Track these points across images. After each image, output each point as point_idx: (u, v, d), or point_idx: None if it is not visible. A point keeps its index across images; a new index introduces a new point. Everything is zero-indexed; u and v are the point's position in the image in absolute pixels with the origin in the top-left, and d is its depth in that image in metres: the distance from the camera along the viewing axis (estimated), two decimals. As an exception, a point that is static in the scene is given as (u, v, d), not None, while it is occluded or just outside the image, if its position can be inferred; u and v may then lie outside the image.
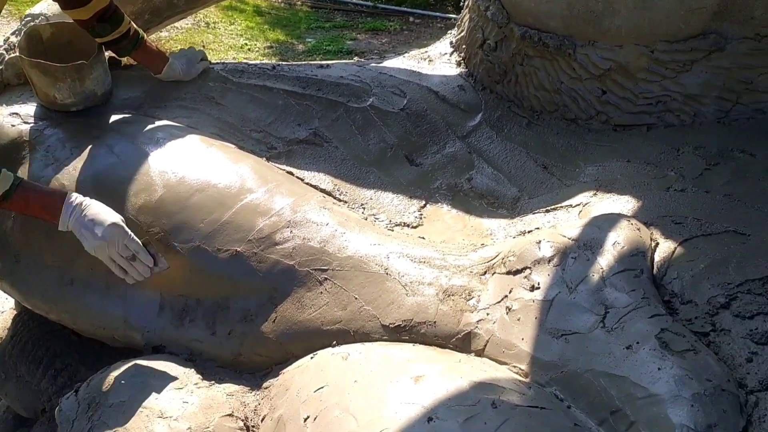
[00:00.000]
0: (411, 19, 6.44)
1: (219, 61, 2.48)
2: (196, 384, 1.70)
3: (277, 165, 2.10)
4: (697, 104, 2.04)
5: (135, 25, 2.10)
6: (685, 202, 1.75)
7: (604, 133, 2.14)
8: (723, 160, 1.86)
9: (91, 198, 1.72)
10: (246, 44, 5.66)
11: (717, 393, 1.22)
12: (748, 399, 1.24)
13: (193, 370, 1.75)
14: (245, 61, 5.08)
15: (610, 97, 2.13)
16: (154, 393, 1.66)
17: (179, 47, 5.29)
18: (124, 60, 2.29)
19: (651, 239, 1.63)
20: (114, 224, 1.67)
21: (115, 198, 1.91)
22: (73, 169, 1.99)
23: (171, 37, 5.56)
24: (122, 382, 1.70)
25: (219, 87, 2.30)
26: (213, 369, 1.79)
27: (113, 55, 2.20)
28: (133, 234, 1.70)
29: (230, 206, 1.83)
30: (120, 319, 1.87)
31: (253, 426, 1.64)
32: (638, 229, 1.63)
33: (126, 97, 2.24)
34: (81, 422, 1.66)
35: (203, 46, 5.41)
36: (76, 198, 1.69)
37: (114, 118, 2.14)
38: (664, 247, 1.61)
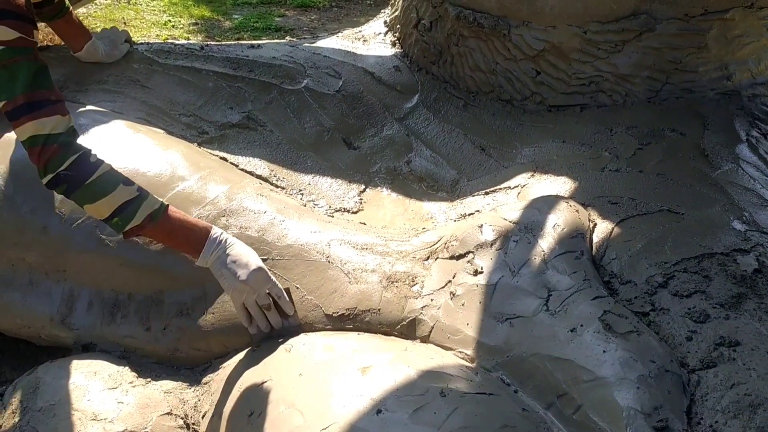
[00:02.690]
0: (340, -5, 6.33)
1: (143, 41, 2.37)
2: (131, 383, 1.63)
3: (209, 151, 2.03)
4: (629, 84, 2.07)
5: None
6: (620, 182, 1.78)
7: (539, 114, 2.16)
8: (654, 139, 1.90)
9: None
10: (169, 21, 5.44)
11: (661, 374, 1.25)
12: (690, 378, 1.27)
13: (127, 367, 1.68)
14: (169, 38, 4.89)
15: (545, 78, 2.14)
16: (86, 394, 1.58)
17: (98, 24, 5.04)
18: (41, 39, 2.16)
19: (589, 220, 1.65)
20: (260, 269, 1.54)
21: (35, 189, 1.80)
22: (-12, 159, 1.87)
23: (90, 13, 5.30)
24: (51, 383, 1.62)
25: (144, 69, 2.19)
26: (148, 365, 1.72)
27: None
28: (275, 281, 1.57)
29: (161, 196, 1.74)
30: (46, 317, 1.78)
31: (193, 423, 1.58)
32: (577, 211, 1.65)
33: (43, 81, 2.10)
34: (8, 428, 1.57)
35: (124, 23, 5.17)
36: (221, 234, 1.56)
37: (31, 103, 2.01)
38: (602, 228, 1.64)
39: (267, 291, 1.55)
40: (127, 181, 1.50)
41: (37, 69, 1.43)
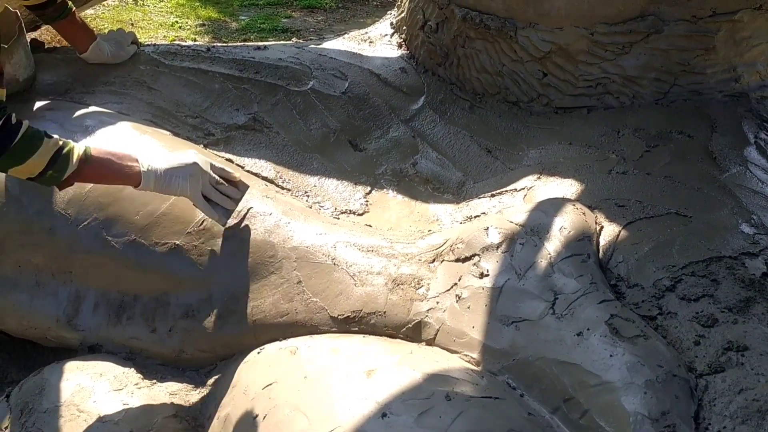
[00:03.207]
0: (346, -4, 6.34)
1: (150, 43, 2.37)
2: (136, 384, 1.64)
3: (215, 152, 2.03)
4: (636, 86, 2.06)
5: None
6: (627, 185, 1.77)
7: (545, 116, 2.15)
8: (662, 141, 1.89)
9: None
10: (177, 22, 5.46)
11: (669, 379, 1.24)
12: (698, 383, 1.26)
13: (132, 369, 1.69)
14: (176, 40, 4.90)
15: (551, 80, 2.13)
16: (91, 395, 1.59)
17: (106, 25, 5.06)
18: (48, 41, 2.16)
19: (596, 223, 1.64)
20: (194, 158, 1.64)
21: (41, 192, 1.80)
22: (-5, 160, 1.87)
23: (97, 14, 5.31)
24: (57, 385, 1.62)
25: (151, 70, 2.19)
26: (154, 367, 1.73)
27: (36, 37, 2.06)
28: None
29: (167, 197, 1.75)
30: (52, 318, 1.78)
31: (198, 425, 1.59)
32: (584, 214, 1.64)
33: (51, 82, 2.11)
34: (14, 429, 1.58)
35: (132, 25, 5.19)
36: (147, 161, 1.60)
37: (38, 104, 2.02)
38: (609, 231, 1.63)
39: (210, 169, 1.65)
40: (47, 134, 1.50)
41: None
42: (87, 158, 1.52)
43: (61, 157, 1.48)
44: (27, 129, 1.46)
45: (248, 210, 1.75)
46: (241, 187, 1.72)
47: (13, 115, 1.46)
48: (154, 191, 1.62)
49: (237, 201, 1.71)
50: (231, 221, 1.71)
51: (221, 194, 1.68)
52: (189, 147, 1.94)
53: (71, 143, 1.52)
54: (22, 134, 1.44)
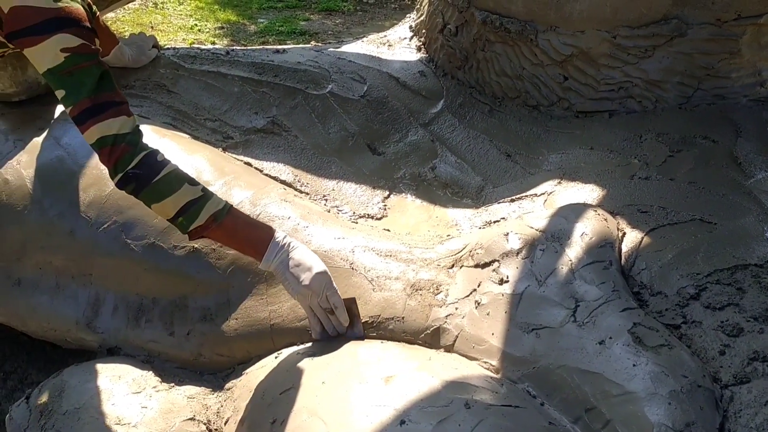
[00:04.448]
0: (365, -1, 6.35)
1: (170, 47, 2.38)
2: (154, 387, 1.64)
3: (234, 156, 2.03)
4: (659, 90, 2.03)
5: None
6: (650, 191, 1.74)
7: (566, 120, 2.13)
8: (686, 146, 1.86)
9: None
10: (196, 25, 5.49)
11: (693, 389, 1.22)
12: (723, 394, 1.24)
13: (151, 372, 1.69)
14: (195, 42, 4.93)
15: (572, 84, 2.11)
16: (110, 398, 1.59)
17: (126, 28, 5.11)
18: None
19: (618, 229, 1.62)
20: (322, 273, 1.53)
21: (63, 193, 1.82)
22: (17, 162, 1.89)
23: (118, 17, 5.36)
24: (76, 387, 1.63)
25: (170, 74, 2.20)
26: (172, 370, 1.72)
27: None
28: (336, 288, 1.55)
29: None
30: (72, 321, 1.79)
31: (216, 429, 1.58)
32: (605, 220, 1.62)
33: (71, 86, 2.12)
34: (33, 431, 1.58)
35: (152, 28, 5.23)
36: (284, 238, 1.55)
37: (60, 108, 2.03)
38: (631, 237, 1.60)
39: (327, 296, 1.53)
40: (192, 181, 1.50)
41: (101, 73, 1.46)
42: (218, 217, 1.49)
43: (193, 207, 1.48)
44: (171, 171, 1.47)
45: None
46: (357, 330, 1.57)
47: (161, 153, 1.48)
48: (269, 271, 1.58)
49: (341, 332, 1.58)
50: None
51: (327, 318, 1.56)
52: (208, 151, 1.94)
53: (213, 197, 1.51)
54: (164, 173, 1.46)
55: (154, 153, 1.48)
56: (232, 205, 1.54)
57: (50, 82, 1.47)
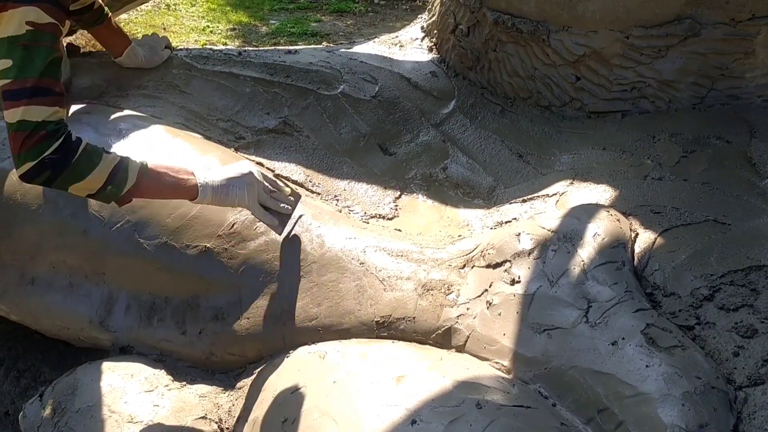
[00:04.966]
0: (376, 0, 6.36)
1: (182, 47, 2.39)
2: (166, 386, 1.64)
3: (246, 156, 2.03)
4: (673, 90, 2.02)
5: (101, 1, 2.00)
6: (663, 191, 1.73)
7: (578, 120, 2.12)
8: (699, 147, 1.85)
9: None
10: (208, 26, 5.52)
11: (707, 391, 1.21)
12: (737, 395, 1.23)
13: (163, 371, 1.69)
14: (208, 44, 4.95)
15: (585, 84, 2.11)
16: (122, 396, 1.60)
17: (139, 30, 5.14)
18: (83, 45, 2.19)
19: (631, 230, 1.61)
20: (248, 172, 1.63)
21: (76, 193, 1.82)
22: (31, 162, 1.90)
23: (131, 19, 5.39)
24: (89, 385, 1.64)
25: (183, 74, 2.21)
26: (184, 369, 1.73)
27: (71, 41, 2.09)
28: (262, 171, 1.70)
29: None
30: (85, 319, 1.80)
31: (227, 428, 1.59)
32: (618, 220, 1.61)
33: (86, 86, 2.13)
34: (46, 428, 1.60)
35: (164, 29, 5.25)
36: (204, 174, 1.60)
37: (73, 107, 2.04)
38: (644, 238, 1.60)
39: (263, 179, 1.65)
40: (105, 150, 1.50)
41: (53, 58, 1.43)
42: (144, 172, 1.51)
43: (119, 172, 1.48)
44: (86, 146, 1.45)
45: (299, 217, 1.75)
46: (294, 197, 1.73)
47: (73, 133, 1.46)
48: (211, 204, 1.61)
49: (292, 209, 1.71)
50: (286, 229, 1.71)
51: (277, 202, 1.68)
52: (220, 151, 1.95)
53: (129, 158, 1.51)
54: (81, 151, 1.44)
55: (68, 135, 1.44)
56: (146, 160, 1.55)
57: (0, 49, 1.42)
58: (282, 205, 1.69)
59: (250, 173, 1.63)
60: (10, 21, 1.41)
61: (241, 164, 1.66)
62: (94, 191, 1.48)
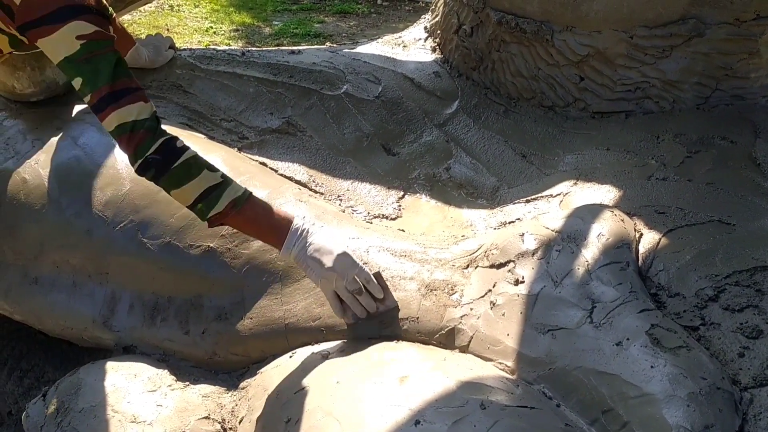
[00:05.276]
0: (379, 1, 6.36)
1: (186, 48, 2.39)
2: (169, 386, 1.64)
3: (249, 156, 2.03)
4: (677, 90, 2.02)
5: (105, 1, 2.01)
6: (668, 191, 1.73)
7: (582, 121, 2.12)
8: (704, 147, 1.85)
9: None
10: (211, 27, 5.53)
11: (712, 392, 1.20)
12: (742, 396, 1.22)
13: (166, 370, 1.69)
14: (211, 44, 4.96)
15: (588, 84, 2.10)
16: (126, 396, 1.60)
17: (142, 30, 5.14)
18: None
19: (635, 230, 1.61)
20: (345, 254, 1.51)
21: (80, 192, 1.83)
22: (35, 162, 1.91)
23: (134, 20, 5.40)
24: (92, 385, 1.64)
25: (186, 74, 2.21)
26: (187, 369, 1.73)
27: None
28: (363, 265, 1.53)
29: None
30: (88, 319, 1.80)
31: (230, 428, 1.58)
32: (622, 220, 1.60)
33: (89, 86, 2.13)
34: (50, 428, 1.60)
35: (167, 30, 5.26)
36: (303, 224, 1.53)
37: (77, 108, 2.05)
38: (649, 238, 1.59)
39: (354, 276, 1.50)
40: (212, 167, 1.50)
41: (117, 59, 1.46)
42: (237, 204, 1.49)
43: (213, 193, 1.47)
44: (190, 156, 1.46)
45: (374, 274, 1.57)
46: (388, 302, 1.54)
47: (180, 139, 1.48)
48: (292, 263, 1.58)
49: (371, 312, 1.54)
50: None
51: (357, 303, 1.53)
52: (223, 151, 1.94)
53: (233, 184, 1.50)
54: (184, 159, 1.45)
55: (173, 139, 1.47)
56: (251, 192, 1.53)
57: (66, 71, 1.46)
58: (360, 306, 1.53)
59: (341, 261, 1.49)
60: (59, 42, 1.44)
61: (336, 245, 1.51)
62: (187, 204, 1.50)
